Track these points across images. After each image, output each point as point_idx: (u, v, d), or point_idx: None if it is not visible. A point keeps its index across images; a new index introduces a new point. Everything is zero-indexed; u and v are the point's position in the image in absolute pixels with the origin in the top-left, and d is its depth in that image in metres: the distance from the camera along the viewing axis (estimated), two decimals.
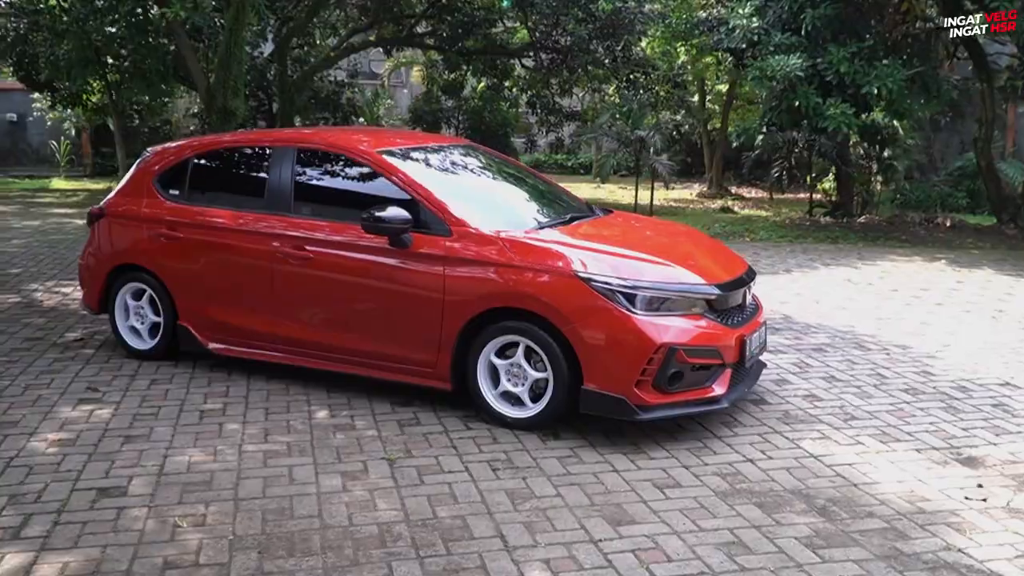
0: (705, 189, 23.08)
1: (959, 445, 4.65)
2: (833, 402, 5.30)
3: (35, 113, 24.49)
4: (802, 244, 12.19)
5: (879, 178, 17.08)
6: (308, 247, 5.23)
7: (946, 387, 5.61)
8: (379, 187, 5.20)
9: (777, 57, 11.24)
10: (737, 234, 13.01)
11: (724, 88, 22.32)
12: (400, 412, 5.02)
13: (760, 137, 14.64)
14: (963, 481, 4.19)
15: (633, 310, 4.47)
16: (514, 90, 23.69)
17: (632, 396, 4.44)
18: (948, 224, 13.75)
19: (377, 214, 4.85)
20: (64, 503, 3.83)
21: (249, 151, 5.96)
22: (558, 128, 23.63)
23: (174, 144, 6.35)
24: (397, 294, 4.98)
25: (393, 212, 4.86)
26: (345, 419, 4.92)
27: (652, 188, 16.89)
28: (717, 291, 4.75)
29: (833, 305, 8.02)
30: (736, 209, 18.18)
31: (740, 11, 11.95)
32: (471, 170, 5.95)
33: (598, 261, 4.66)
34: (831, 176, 17.26)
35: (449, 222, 4.88)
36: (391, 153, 5.34)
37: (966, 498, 4.00)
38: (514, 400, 4.78)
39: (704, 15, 13.66)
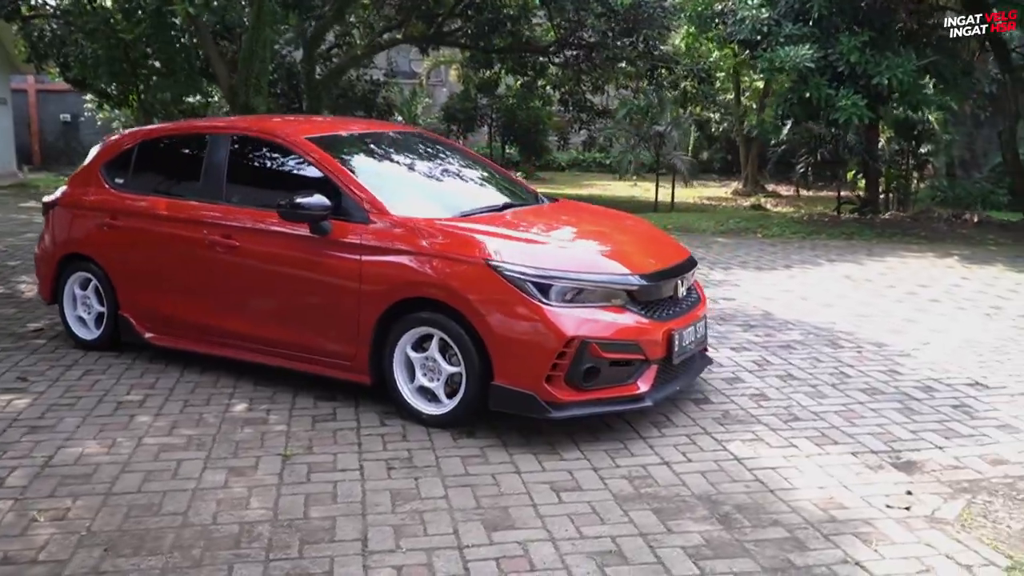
0: (740, 186, 22.61)
1: (901, 448, 4.29)
2: (781, 402, 4.97)
3: (86, 114, 25.18)
4: (812, 240, 11.71)
5: (916, 174, 16.47)
6: (234, 235, 5.09)
7: (909, 387, 5.22)
8: (303, 173, 5.05)
9: (787, 48, 10.81)
10: (749, 230, 12.57)
11: (761, 84, 21.79)
12: (320, 407, 4.84)
13: (785, 131, 14.15)
14: (892, 487, 3.86)
15: (545, 301, 4.21)
16: (547, 88, 23.44)
17: (542, 392, 4.18)
18: (975, 220, 13.12)
19: (296, 200, 4.68)
20: None
21: (189, 139, 5.86)
22: (590, 125, 23.34)
23: (123, 133, 6.29)
24: (317, 283, 4.81)
25: (311, 199, 4.68)
26: (261, 413, 4.75)
27: (673, 184, 16.50)
28: (640, 281, 4.45)
29: (820, 302, 7.61)
30: (768, 206, 17.72)
31: (748, 1, 11.53)
32: (409, 158, 5.74)
33: (511, 249, 4.41)
34: None
35: (367, 208, 4.69)
36: (318, 140, 5.16)
37: (887, 506, 3.67)
38: (431, 396, 4.57)
39: (720, 7, 13.23)
